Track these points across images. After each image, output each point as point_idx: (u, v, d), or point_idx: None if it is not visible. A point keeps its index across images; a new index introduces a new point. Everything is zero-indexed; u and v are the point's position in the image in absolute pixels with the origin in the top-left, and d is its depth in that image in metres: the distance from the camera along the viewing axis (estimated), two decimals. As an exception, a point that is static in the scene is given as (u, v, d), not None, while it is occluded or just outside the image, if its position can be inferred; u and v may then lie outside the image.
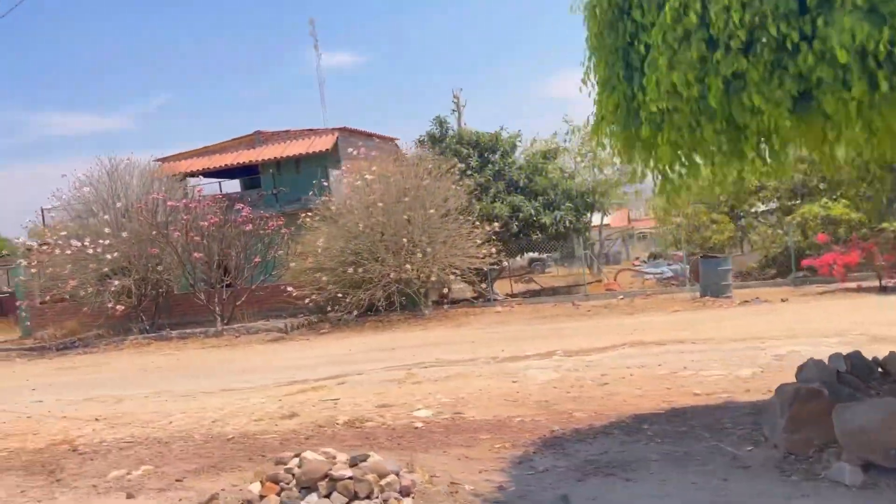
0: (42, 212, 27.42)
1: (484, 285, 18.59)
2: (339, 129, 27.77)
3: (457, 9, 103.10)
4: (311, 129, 28.70)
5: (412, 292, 16.88)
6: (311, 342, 15.32)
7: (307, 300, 16.85)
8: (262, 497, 4.31)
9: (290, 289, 17.00)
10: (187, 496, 5.33)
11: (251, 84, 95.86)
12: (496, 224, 17.57)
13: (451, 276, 16.44)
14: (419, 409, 7.74)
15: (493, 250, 17.36)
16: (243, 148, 28.97)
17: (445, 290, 18.74)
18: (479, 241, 17.16)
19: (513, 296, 19.42)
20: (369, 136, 30.68)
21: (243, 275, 19.08)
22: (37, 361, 16.83)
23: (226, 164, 27.04)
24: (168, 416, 8.82)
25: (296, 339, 16.01)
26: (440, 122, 21.49)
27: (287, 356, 13.54)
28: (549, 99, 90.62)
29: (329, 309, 17.08)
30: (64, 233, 17.28)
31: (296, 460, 4.56)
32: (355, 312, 16.52)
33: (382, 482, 4.21)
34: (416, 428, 6.72)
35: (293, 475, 4.40)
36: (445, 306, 17.97)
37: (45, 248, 17.17)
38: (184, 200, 18.28)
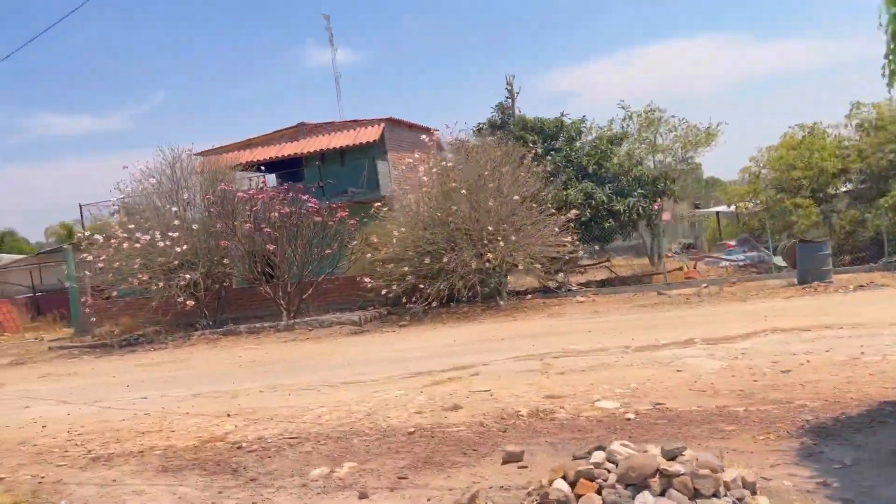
0: (81, 208, 26.95)
1: (562, 275, 18.04)
2: (385, 120, 27.24)
3: (451, 5, 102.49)
4: (355, 120, 28.18)
5: (494, 283, 16.36)
6: (399, 334, 14.80)
7: (384, 291, 16.33)
8: (578, 496, 3.79)
9: (367, 280, 16.46)
10: (434, 495, 4.82)
11: (249, 83, 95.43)
12: (574, 211, 17.02)
13: (538, 266, 15.89)
14: (598, 399, 7.23)
15: (570, 238, 16.83)
16: (286, 140, 28.45)
17: (531, 280, 18.17)
18: (556, 229, 16.63)
19: (586, 285, 18.86)
20: (411, 126, 30.19)
21: (308, 267, 18.57)
22: (108, 359, 16.34)
23: (270, 157, 26.47)
24: (308, 410, 8.32)
25: (377, 332, 15.49)
26: (502, 109, 20.95)
27: (384, 349, 13.03)
28: (551, 94, 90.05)
29: (405, 300, 16.55)
30: (132, 226, 16.76)
31: (599, 454, 4.05)
32: (434, 304, 15.99)
33: (727, 478, 3.70)
34: (629, 419, 6.21)
35: (607, 471, 3.88)
36: (528, 296, 17.42)
37: (112, 242, 16.65)
38: (251, 191, 17.76)
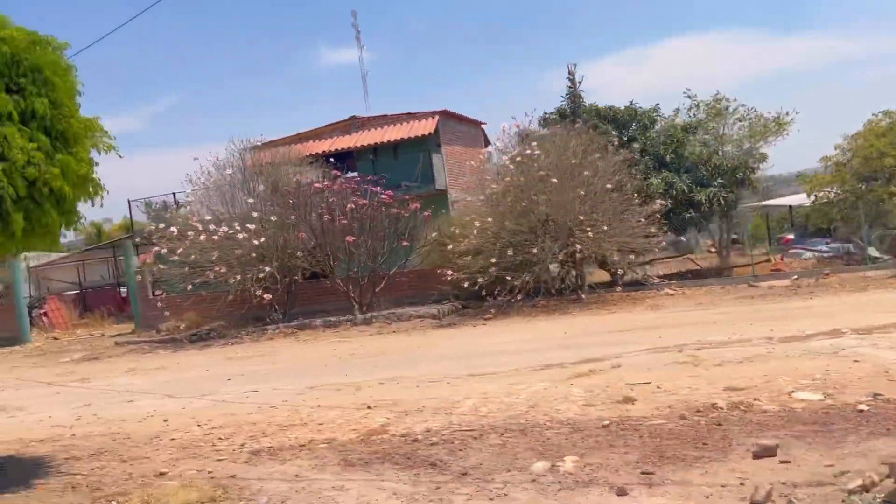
0: (129, 203, 26.75)
1: (647, 267, 17.49)
2: (440, 113, 26.82)
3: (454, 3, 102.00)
4: (409, 113, 27.79)
5: (578, 274, 15.87)
6: (490, 327, 14.32)
7: (466, 284, 15.86)
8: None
9: (448, 272, 16.00)
10: (709, 492, 4.34)
11: (260, 83, 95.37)
12: (660, 201, 16.46)
13: (632, 257, 15.40)
14: (791, 390, 6.74)
15: (654, 229, 16.27)
16: (338, 134, 28.08)
17: (614, 271, 17.60)
18: (642, 220, 16.09)
19: (668, 278, 18.24)
20: (461, 119, 29.75)
21: (380, 259, 18.15)
22: (184, 353, 15.99)
23: (323, 151, 26.07)
24: (455, 402, 7.89)
25: (464, 325, 15.03)
26: (574, 97, 20.41)
27: (485, 342, 12.57)
28: (562, 91, 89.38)
29: (486, 293, 16.06)
30: (209, 217, 16.41)
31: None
32: (520, 296, 15.50)
33: None
34: (863, 411, 5.71)
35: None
36: (618, 289, 16.82)
37: (189, 234, 16.30)
38: (326, 182, 17.37)
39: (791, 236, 28.83)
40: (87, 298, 31.07)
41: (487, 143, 34.39)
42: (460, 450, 5.96)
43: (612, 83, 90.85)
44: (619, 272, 17.42)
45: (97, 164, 6.60)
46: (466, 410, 7.43)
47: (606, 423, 6.23)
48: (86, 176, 6.23)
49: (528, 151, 15.73)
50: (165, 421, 8.71)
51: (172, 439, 7.71)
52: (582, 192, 15.01)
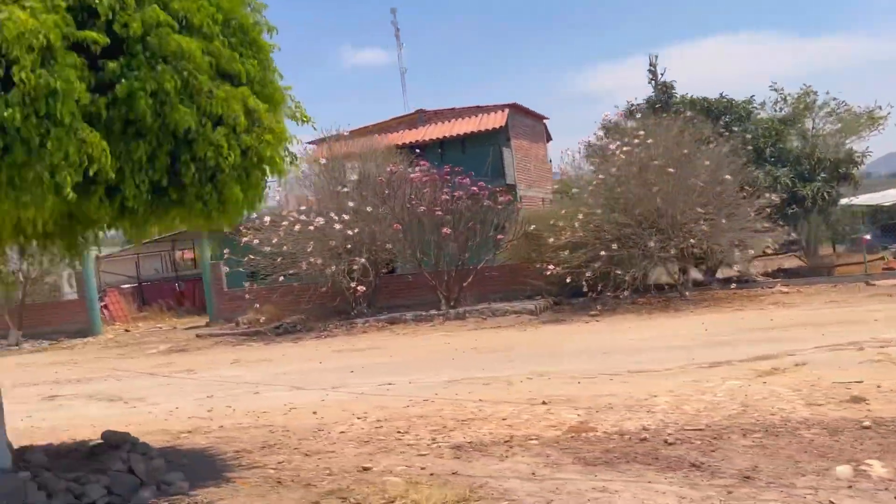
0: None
1: (756, 263, 16.77)
2: (509, 106, 26.32)
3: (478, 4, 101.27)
4: (477, 107, 27.36)
5: (682, 269, 15.22)
6: (606, 324, 13.66)
7: (568, 280, 15.27)
8: None
9: (549, 267, 15.43)
10: None
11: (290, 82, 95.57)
12: (774, 195, 15.72)
13: (751, 252, 14.72)
14: None
15: (767, 224, 15.53)
16: (404, 128, 27.70)
17: (714, 267, 16.91)
18: (752, 214, 15.38)
19: (772, 276, 17.47)
20: (527, 113, 29.23)
21: (468, 253, 17.61)
22: (278, 346, 15.53)
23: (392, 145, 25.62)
24: (641, 399, 7.31)
25: (573, 322, 14.38)
26: (665, 87, 19.73)
27: (616, 338, 11.90)
28: (578, 93, 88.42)
29: (587, 290, 15.46)
30: (303, 207, 16.03)
31: None
32: (627, 293, 14.88)
33: None
34: None
35: None
36: (733, 285, 16.10)
37: (284, 224, 15.95)
38: (418, 172, 16.89)
39: (868, 236, 27.79)
40: (144, 292, 31.01)
41: (549, 137, 33.83)
42: (712, 451, 5.37)
43: (622, 85, 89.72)
44: (724, 266, 16.71)
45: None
46: (668, 409, 6.84)
47: (867, 424, 5.60)
48: (288, 145, 5.80)
49: (637, 140, 15.09)
50: (315, 413, 8.22)
51: (341, 432, 7.21)
52: (700, 184, 14.34)
